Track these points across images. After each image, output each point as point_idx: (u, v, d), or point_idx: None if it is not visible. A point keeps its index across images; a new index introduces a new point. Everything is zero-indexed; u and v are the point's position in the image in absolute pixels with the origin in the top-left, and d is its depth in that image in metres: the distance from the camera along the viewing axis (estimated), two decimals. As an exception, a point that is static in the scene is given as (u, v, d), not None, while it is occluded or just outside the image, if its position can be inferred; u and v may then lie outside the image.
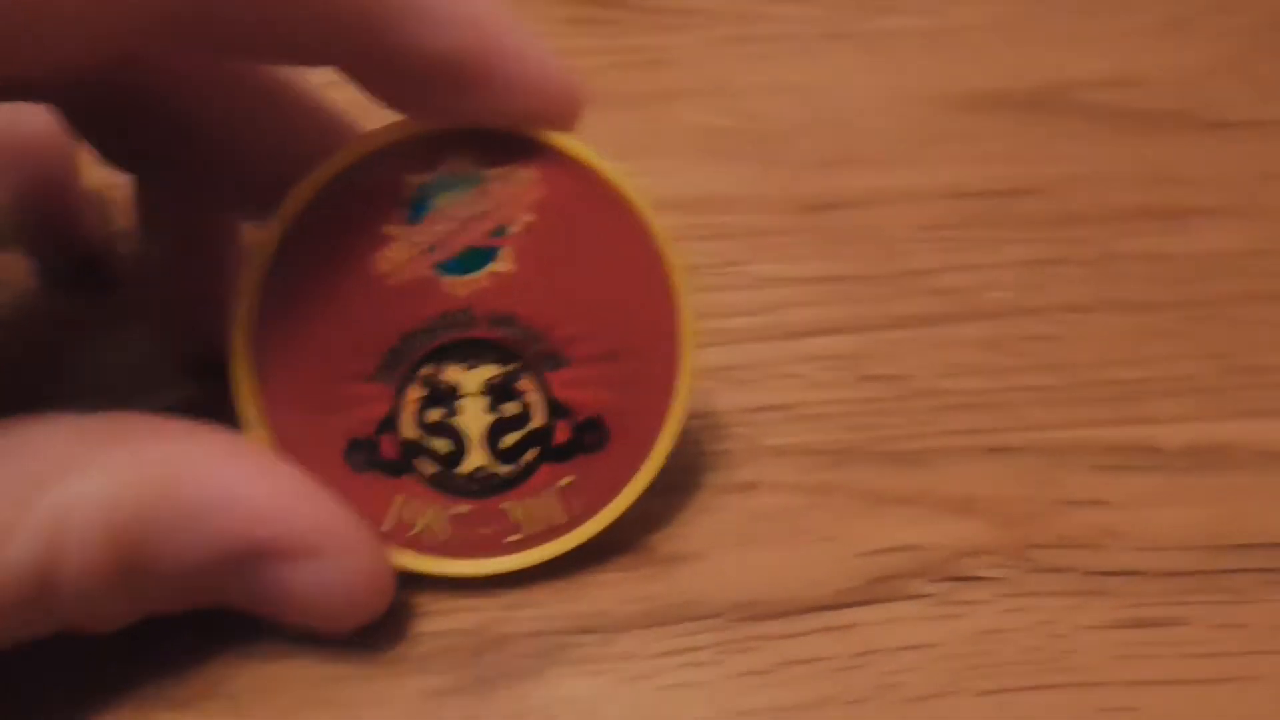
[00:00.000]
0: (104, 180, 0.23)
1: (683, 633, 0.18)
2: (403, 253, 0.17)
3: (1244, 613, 0.17)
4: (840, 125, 0.28)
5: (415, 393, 0.18)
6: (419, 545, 0.18)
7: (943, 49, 0.30)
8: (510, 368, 0.18)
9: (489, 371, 0.18)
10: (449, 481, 0.18)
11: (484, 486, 0.18)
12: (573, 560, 0.19)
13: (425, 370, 0.18)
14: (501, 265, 0.17)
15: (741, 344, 0.23)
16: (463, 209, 0.17)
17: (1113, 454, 0.20)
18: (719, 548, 0.19)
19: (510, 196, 0.17)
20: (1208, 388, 0.21)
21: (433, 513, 0.18)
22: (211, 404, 0.18)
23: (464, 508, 0.18)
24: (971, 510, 0.19)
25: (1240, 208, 0.25)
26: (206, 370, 0.20)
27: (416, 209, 0.17)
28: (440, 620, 0.18)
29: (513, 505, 0.18)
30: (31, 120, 0.22)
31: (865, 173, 0.27)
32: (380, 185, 0.17)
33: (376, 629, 0.18)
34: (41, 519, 0.15)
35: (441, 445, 0.18)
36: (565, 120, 0.17)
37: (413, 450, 0.18)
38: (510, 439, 0.18)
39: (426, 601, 0.18)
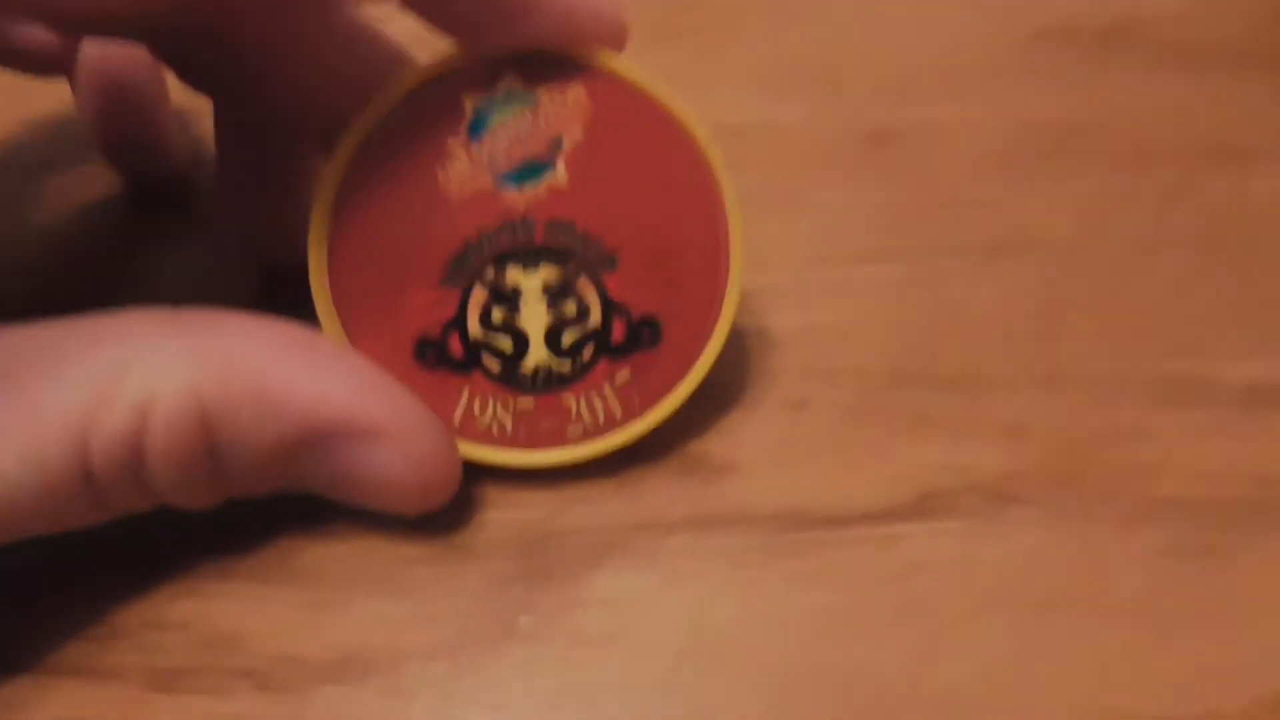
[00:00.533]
0: (188, 103, 0.24)
1: (733, 535, 0.18)
2: (464, 167, 0.18)
3: (1290, 545, 0.18)
4: (904, 56, 0.28)
5: (479, 295, 0.19)
6: (486, 438, 0.19)
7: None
8: (567, 270, 0.19)
9: (548, 273, 0.19)
10: (513, 377, 0.19)
11: (546, 382, 0.19)
12: (629, 461, 0.19)
13: (488, 275, 0.19)
14: (557, 177, 0.18)
15: (797, 267, 0.23)
16: (518, 126, 0.18)
17: (1168, 388, 0.20)
18: (769, 459, 0.20)
19: (563, 113, 0.18)
20: (1270, 328, 0.21)
21: (499, 406, 0.19)
22: (285, 313, 0.18)
23: (527, 402, 0.19)
24: (1021, 436, 0.20)
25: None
26: (279, 281, 0.21)
27: (475, 127, 0.18)
28: (504, 511, 0.19)
29: (573, 400, 0.19)
30: (121, 49, 0.23)
31: (927, 104, 0.27)
32: (441, 106, 0.18)
33: (443, 516, 0.18)
34: (134, 393, 0.16)
35: (505, 344, 0.19)
36: (614, 40, 0.18)
37: (478, 349, 0.19)
38: (569, 336, 0.19)
39: (492, 494, 0.19)
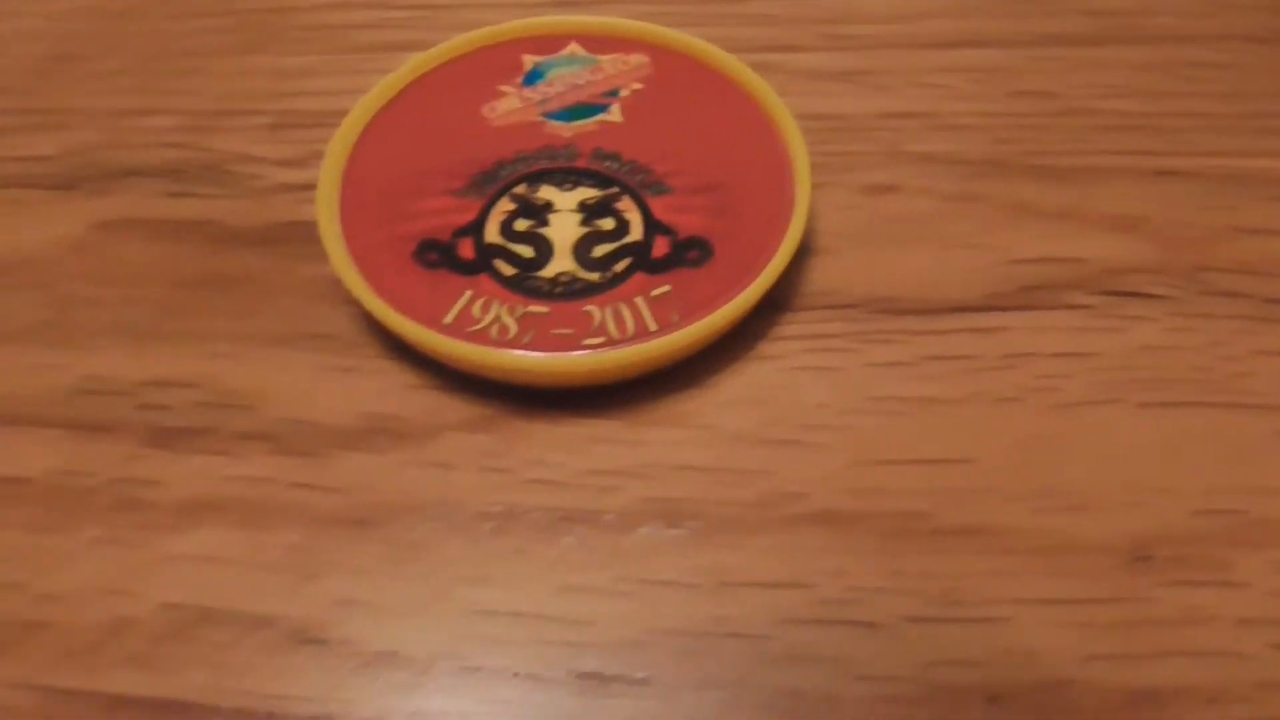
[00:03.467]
0: None
1: (814, 319, 0.16)
2: (513, 103, 0.18)
3: None
4: None
5: (505, 206, 0.17)
6: (481, 338, 0.16)
7: None
8: (609, 191, 0.17)
9: (586, 194, 0.17)
10: (527, 283, 0.16)
11: (566, 291, 0.16)
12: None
13: (519, 189, 0.17)
14: (610, 116, 0.18)
15: (879, 49, 0.21)
16: (576, 78, 0.19)
17: (1294, 187, 0.18)
18: (854, 245, 0.17)
19: (623, 71, 0.19)
20: (1407, 129, 0.19)
21: (504, 310, 0.16)
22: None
23: (541, 308, 0.16)
24: (1135, 229, 0.17)
25: None
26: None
27: (532, 77, 0.19)
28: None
29: (597, 309, 0.16)
30: None
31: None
32: (502, 60, 0.19)
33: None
34: None
35: (525, 250, 0.17)
36: None
37: (493, 252, 0.17)
38: (602, 249, 0.17)
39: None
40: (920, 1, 0.21)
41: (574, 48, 0.19)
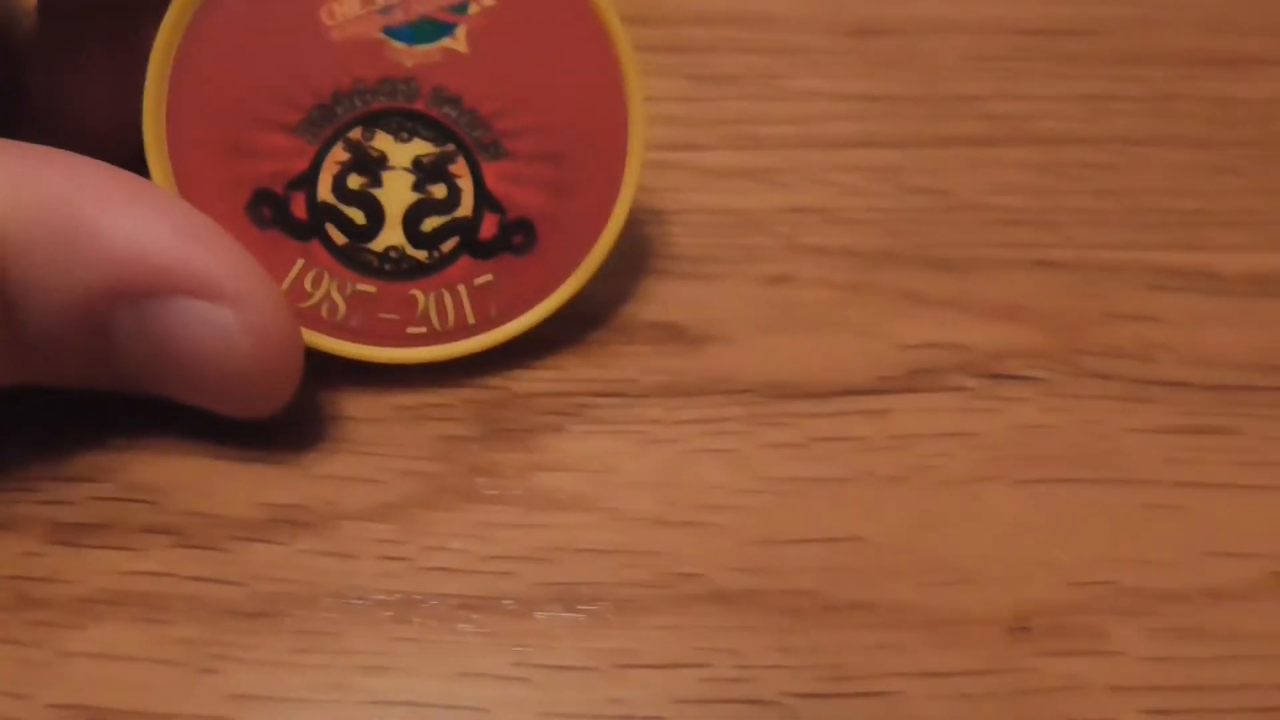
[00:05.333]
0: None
1: (710, 404, 0.17)
2: (353, 7, 0.16)
3: (1298, 425, 0.17)
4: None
5: (338, 155, 0.16)
6: (313, 319, 0.16)
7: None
8: (445, 149, 0.16)
9: (422, 148, 0.16)
10: (358, 255, 0.16)
11: (395, 268, 0.16)
12: (591, 328, 0.18)
13: (354, 134, 0.16)
14: (455, 43, 0.16)
15: (779, 149, 0.22)
16: None
17: (1167, 275, 0.19)
18: (751, 332, 0.18)
19: None
20: (1268, 222, 0.20)
21: (334, 285, 0.16)
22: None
23: (369, 287, 0.16)
24: (1016, 316, 0.18)
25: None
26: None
27: None
28: (455, 374, 0.17)
29: (421, 294, 0.16)
30: None
31: (913, 3, 0.25)
32: None
33: (388, 376, 0.17)
34: None
35: (356, 215, 0.16)
36: None
37: (325, 214, 0.16)
38: (431, 223, 0.16)
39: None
40: (822, 105, 0.23)
41: None
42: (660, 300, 0.18)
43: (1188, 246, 0.20)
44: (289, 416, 0.16)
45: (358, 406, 0.17)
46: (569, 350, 0.18)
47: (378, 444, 0.16)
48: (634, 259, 0.19)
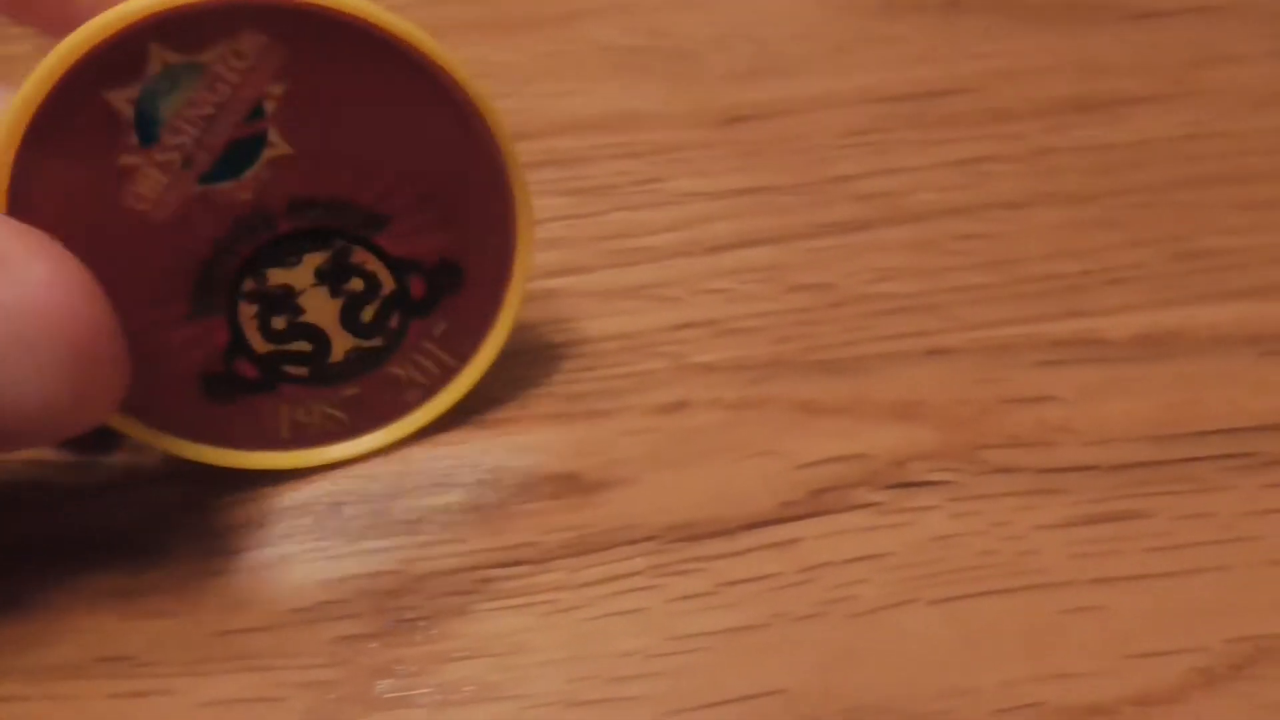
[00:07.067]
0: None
1: (615, 558, 0.16)
2: (154, 179, 0.15)
3: (1208, 501, 0.17)
4: (751, 37, 0.27)
5: (248, 310, 0.16)
6: (325, 437, 0.16)
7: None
8: (335, 247, 0.16)
9: (315, 260, 0.16)
10: (326, 373, 0.17)
11: (363, 364, 0.17)
12: (487, 490, 0.17)
13: (247, 285, 0.16)
14: (275, 149, 0.15)
15: (662, 261, 0.21)
16: (199, 107, 0.14)
17: (1057, 348, 0.19)
18: (649, 470, 0.18)
19: (246, 72, 0.14)
20: (1152, 275, 0.20)
21: (323, 405, 0.16)
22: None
23: (352, 390, 0.17)
24: (913, 415, 0.18)
25: (1171, 95, 0.24)
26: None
27: (145, 127, 0.14)
28: (348, 562, 0.16)
29: (399, 369, 0.17)
30: None
31: (780, 83, 0.25)
32: (87, 114, 0.14)
33: (277, 580, 0.16)
34: None
35: (302, 346, 0.16)
36: None
37: (274, 361, 0.16)
38: (369, 311, 0.17)
39: (336, 545, 0.17)
40: (700, 207, 0.22)
41: (159, 53, 0.14)
42: (556, 449, 0.18)
43: (1074, 314, 0.20)
44: (185, 634, 0.15)
45: (252, 616, 0.16)
46: (468, 517, 0.17)
47: (274, 655, 0.16)
48: (528, 403, 0.19)
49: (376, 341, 0.16)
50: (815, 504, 0.17)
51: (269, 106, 0.15)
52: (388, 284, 0.16)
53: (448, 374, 0.17)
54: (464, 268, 0.17)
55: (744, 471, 0.17)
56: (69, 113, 0.14)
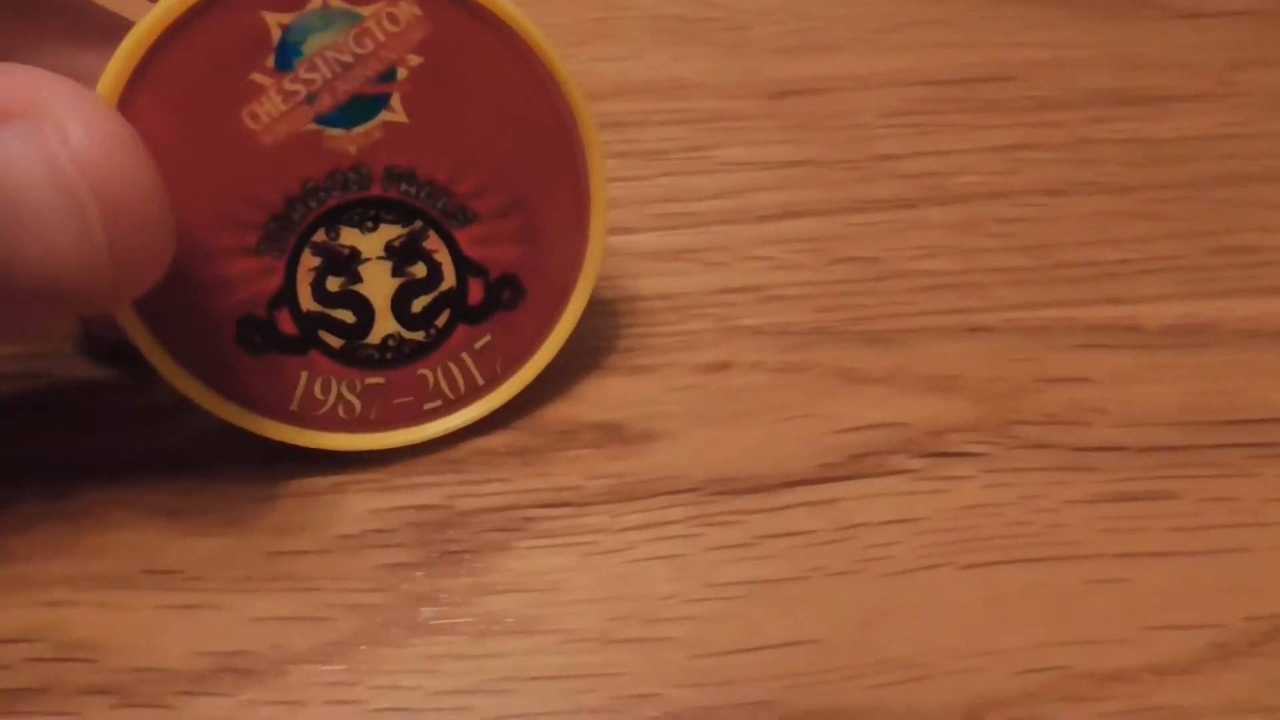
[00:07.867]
0: None
1: (655, 506, 0.17)
2: (277, 105, 0.15)
3: (1232, 486, 0.17)
4: (797, 12, 0.27)
5: (310, 262, 0.16)
6: (332, 422, 0.16)
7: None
8: (414, 227, 0.16)
9: (390, 233, 0.16)
10: (358, 353, 0.16)
11: (397, 355, 0.16)
12: (533, 436, 0.18)
13: (318, 237, 0.16)
14: (394, 115, 0.15)
15: (709, 227, 0.22)
16: (340, 52, 0.15)
17: (1093, 333, 0.19)
18: (692, 426, 0.18)
19: (394, 37, 0.15)
20: (1188, 267, 0.20)
21: (343, 387, 0.16)
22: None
23: (377, 379, 0.16)
24: (950, 388, 0.19)
25: (1212, 93, 0.24)
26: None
27: (285, 54, 0.15)
28: (396, 496, 0.17)
29: (429, 372, 0.16)
30: None
31: (828, 60, 0.26)
32: (237, 26, 0.14)
33: (327, 505, 0.16)
34: None
35: (346, 316, 0.16)
36: None
37: (314, 322, 0.16)
38: (420, 303, 0.16)
39: (380, 476, 0.17)
40: (747, 176, 0.23)
41: None
42: (601, 399, 0.18)
43: (1112, 300, 0.20)
44: (232, 554, 0.16)
45: (300, 539, 0.16)
46: (513, 459, 0.17)
47: (321, 578, 0.16)
48: (573, 356, 0.19)
49: (418, 335, 0.16)
50: (854, 467, 0.17)
51: (401, 74, 0.15)
52: (449, 280, 0.16)
53: (472, 394, 0.17)
54: (526, 288, 0.17)
55: (784, 432, 0.18)
56: (224, 14, 0.14)
